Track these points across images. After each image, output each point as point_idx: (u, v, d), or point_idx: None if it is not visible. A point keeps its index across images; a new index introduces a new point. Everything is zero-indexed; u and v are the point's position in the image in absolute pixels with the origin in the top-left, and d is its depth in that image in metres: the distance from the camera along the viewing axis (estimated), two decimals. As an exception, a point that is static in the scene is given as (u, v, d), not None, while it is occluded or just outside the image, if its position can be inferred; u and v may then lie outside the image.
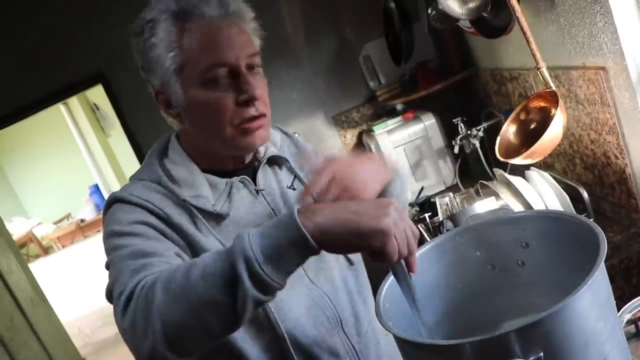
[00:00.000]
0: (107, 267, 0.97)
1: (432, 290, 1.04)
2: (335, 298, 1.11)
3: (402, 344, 0.82)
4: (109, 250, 0.97)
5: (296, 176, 1.19)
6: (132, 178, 1.11)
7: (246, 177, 1.10)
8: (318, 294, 1.10)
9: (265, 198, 1.12)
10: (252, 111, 1.00)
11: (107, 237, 0.98)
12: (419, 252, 1.00)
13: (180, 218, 1.01)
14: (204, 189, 1.05)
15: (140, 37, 1.00)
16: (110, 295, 0.92)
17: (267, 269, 0.75)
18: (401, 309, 0.95)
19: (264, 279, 0.75)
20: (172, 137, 1.13)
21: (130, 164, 3.63)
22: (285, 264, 0.77)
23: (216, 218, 1.04)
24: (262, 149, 1.16)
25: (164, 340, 0.78)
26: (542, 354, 0.71)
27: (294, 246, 0.76)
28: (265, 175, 1.14)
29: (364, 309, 1.21)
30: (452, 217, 1.82)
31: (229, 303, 0.76)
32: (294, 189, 1.17)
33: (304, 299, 1.08)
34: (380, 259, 0.79)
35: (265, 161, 1.14)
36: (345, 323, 1.13)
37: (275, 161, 1.18)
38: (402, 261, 0.84)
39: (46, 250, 6.57)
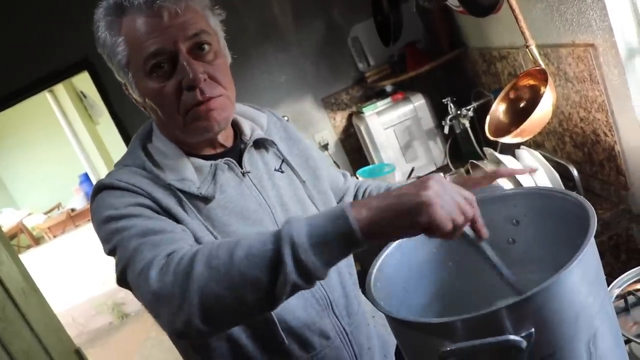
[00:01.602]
0: (111, 252, 0.96)
1: (423, 270, 1.04)
2: (326, 279, 1.11)
3: (394, 323, 0.82)
4: (109, 236, 0.96)
5: (284, 159, 1.18)
6: (116, 165, 1.10)
7: (231, 159, 1.10)
8: None
9: (251, 180, 1.11)
10: (196, 95, 0.98)
11: (102, 224, 0.98)
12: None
13: (168, 202, 1.01)
14: (188, 172, 1.04)
15: (96, 34, 1.02)
16: (123, 279, 0.93)
17: (312, 258, 0.77)
18: (392, 288, 0.95)
19: (306, 266, 0.77)
20: (153, 123, 1.12)
21: (120, 151, 3.58)
22: (329, 255, 0.78)
23: (202, 201, 1.04)
24: (247, 131, 1.15)
25: (200, 313, 0.80)
26: (533, 329, 0.71)
27: (340, 239, 0.77)
28: (251, 158, 1.13)
29: (354, 290, 1.21)
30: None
31: (269, 284, 0.78)
32: (282, 172, 1.17)
33: None
34: (435, 234, 0.77)
35: (251, 143, 1.13)
36: (335, 304, 1.14)
37: (262, 144, 1.16)
38: (468, 230, 0.82)
39: (37, 241, 6.52)
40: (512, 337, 0.69)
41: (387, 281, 0.93)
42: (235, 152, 1.12)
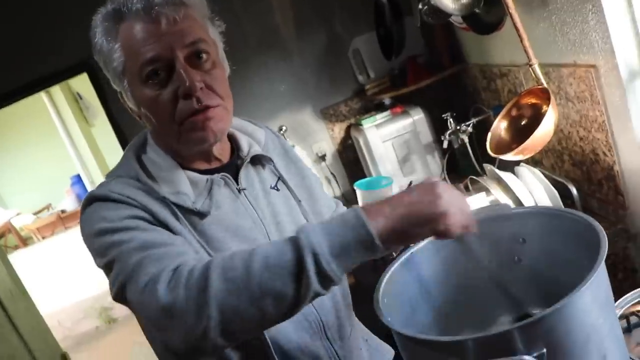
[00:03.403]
0: (107, 266, 0.93)
1: (429, 286, 1.04)
2: (319, 302, 1.08)
3: (404, 340, 0.82)
4: (104, 249, 0.93)
5: (280, 177, 1.17)
6: (108, 175, 1.07)
7: (227, 175, 1.07)
8: None
9: (247, 197, 1.09)
10: (193, 104, 0.95)
11: (95, 236, 0.94)
12: (415, 248, 1.00)
13: (164, 214, 0.98)
14: (183, 185, 1.02)
15: (92, 40, 1.00)
16: (121, 294, 0.89)
17: (333, 266, 0.78)
18: (399, 303, 0.95)
19: (329, 275, 0.78)
20: (148, 133, 1.09)
21: (114, 154, 3.58)
22: (349, 261, 0.79)
23: (197, 216, 1.02)
24: (245, 147, 1.13)
25: (219, 328, 0.79)
26: (545, 350, 0.71)
27: (360, 246, 0.78)
28: (247, 174, 1.11)
29: (347, 314, 1.20)
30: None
31: (291, 294, 0.78)
32: (277, 190, 1.15)
33: None
34: (445, 238, 0.82)
35: (248, 160, 1.11)
36: (328, 328, 1.12)
37: (258, 160, 1.15)
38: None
39: (25, 242, 6.46)
40: (527, 357, 0.69)
41: (394, 297, 0.93)
42: (232, 168, 1.10)
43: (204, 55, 0.98)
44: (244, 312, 0.79)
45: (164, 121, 0.98)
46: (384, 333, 0.93)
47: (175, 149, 1.04)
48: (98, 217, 0.96)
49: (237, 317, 0.79)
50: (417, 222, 0.80)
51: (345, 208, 1.39)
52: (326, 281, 0.78)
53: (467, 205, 0.85)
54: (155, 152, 1.05)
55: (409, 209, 0.80)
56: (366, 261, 0.82)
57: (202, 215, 1.02)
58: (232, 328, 0.81)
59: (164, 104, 0.96)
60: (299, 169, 1.24)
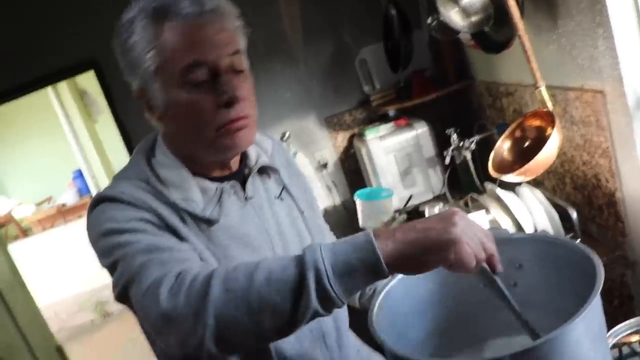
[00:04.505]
0: (111, 266, 0.93)
1: (423, 306, 1.04)
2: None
3: (395, 358, 0.82)
4: (109, 249, 0.93)
5: (284, 187, 1.17)
6: (117, 177, 1.07)
7: (237, 183, 1.08)
8: None
9: (253, 206, 1.10)
10: (233, 113, 0.97)
11: (102, 236, 0.94)
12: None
13: (173, 219, 0.98)
14: (193, 192, 1.02)
15: (120, 37, 0.99)
16: (124, 295, 0.90)
17: (335, 286, 0.76)
18: (393, 321, 0.95)
19: (330, 295, 0.76)
20: (158, 138, 1.09)
21: (117, 150, 3.59)
22: (352, 284, 0.77)
23: (205, 223, 1.02)
24: (253, 156, 1.13)
25: (214, 336, 0.78)
26: (535, 380, 0.71)
27: (365, 268, 0.76)
28: (254, 183, 1.12)
29: (345, 323, 1.21)
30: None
31: (289, 310, 0.77)
32: (281, 200, 1.16)
33: None
34: (459, 270, 0.79)
35: (256, 170, 1.12)
36: (327, 336, 1.13)
37: (264, 170, 1.15)
38: (485, 264, 0.83)
39: (25, 233, 6.46)
40: (516, 387, 0.69)
41: (388, 314, 0.93)
42: (239, 176, 1.11)
43: (240, 67, 1.00)
44: (240, 324, 0.78)
45: (197, 125, 0.98)
46: (375, 345, 0.92)
47: (198, 154, 1.03)
48: (106, 217, 0.96)
49: (233, 327, 0.79)
50: (426, 249, 0.77)
51: (332, 235, 1.37)
52: (326, 301, 0.77)
53: (487, 238, 0.81)
54: (166, 155, 1.05)
55: (419, 235, 0.78)
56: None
57: (210, 222, 1.02)
58: (228, 338, 0.80)
59: (203, 109, 0.96)
60: (301, 181, 1.26)
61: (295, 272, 0.77)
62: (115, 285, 0.92)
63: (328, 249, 0.78)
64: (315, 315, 0.78)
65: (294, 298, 0.77)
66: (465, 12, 1.84)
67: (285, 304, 0.77)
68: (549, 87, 1.67)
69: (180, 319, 0.80)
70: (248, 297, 0.78)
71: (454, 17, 1.86)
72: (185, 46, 0.94)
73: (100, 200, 0.99)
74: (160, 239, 0.93)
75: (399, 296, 0.99)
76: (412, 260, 0.78)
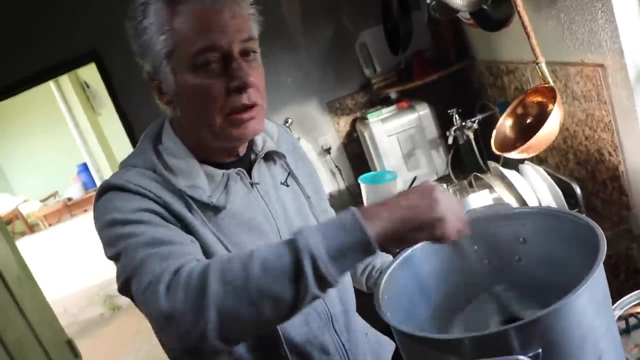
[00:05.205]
0: (114, 257, 0.93)
1: (428, 284, 1.05)
2: (327, 295, 1.10)
3: (403, 337, 0.83)
4: (113, 240, 0.93)
5: (290, 173, 1.18)
6: (123, 164, 1.06)
7: (242, 169, 1.08)
8: None
9: (259, 192, 1.10)
10: (244, 99, 0.96)
11: (107, 226, 0.95)
12: (415, 247, 1.01)
13: (179, 207, 0.98)
14: (200, 179, 1.02)
15: (133, 20, 0.98)
16: (126, 288, 0.90)
17: (331, 269, 0.77)
18: (399, 301, 0.96)
19: (326, 278, 0.77)
20: (165, 123, 1.09)
21: (120, 143, 3.60)
22: (346, 264, 0.79)
23: (212, 210, 1.02)
24: (259, 142, 1.13)
25: (217, 330, 0.79)
26: (540, 350, 0.72)
27: (357, 248, 0.79)
28: (260, 169, 1.12)
29: (352, 307, 1.21)
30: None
31: (289, 297, 0.78)
32: (287, 185, 1.17)
33: None
34: (441, 242, 0.84)
35: (262, 155, 1.12)
36: (335, 320, 1.13)
37: (270, 156, 1.15)
38: None
39: (32, 228, 6.50)
40: (522, 357, 0.70)
41: (394, 294, 0.94)
42: (245, 162, 1.11)
43: (252, 54, 0.99)
44: (242, 315, 0.79)
45: (207, 110, 0.97)
46: (383, 327, 0.93)
47: (203, 140, 1.03)
48: (112, 206, 0.96)
49: (235, 319, 0.79)
50: (414, 227, 0.81)
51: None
52: (324, 283, 0.78)
53: (462, 210, 0.88)
54: (173, 142, 1.05)
55: (406, 213, 0.81)
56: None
57: (217, 209, 1.02)
58: (230, 330, 0.80)
59: (214, 94, 0.95)
60: (307, 166, 1.26)
61: (290, 259, 0.78)
62: (118, 277, 0.92)
63: (320, 234, 0.79)
64: (314, 298, 0.80)
65: (293, 285, 0.78)
66: (464, -9, 1.83)
67: (284, 292, 0.78)
68: (549, 63, 1.66)
69: (180, 315, 0.80)
70: (246, 287, 0.78)
71: (453, -4, 1.84)
72: (198, 30, 0.94)
73: (107, 188, 0.99)
74: (163, 231, 0.93)
75: (403, 277, 0.99)
76: (400, 237, 0.81)
